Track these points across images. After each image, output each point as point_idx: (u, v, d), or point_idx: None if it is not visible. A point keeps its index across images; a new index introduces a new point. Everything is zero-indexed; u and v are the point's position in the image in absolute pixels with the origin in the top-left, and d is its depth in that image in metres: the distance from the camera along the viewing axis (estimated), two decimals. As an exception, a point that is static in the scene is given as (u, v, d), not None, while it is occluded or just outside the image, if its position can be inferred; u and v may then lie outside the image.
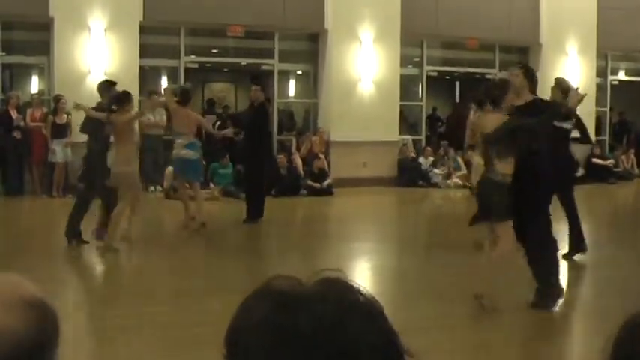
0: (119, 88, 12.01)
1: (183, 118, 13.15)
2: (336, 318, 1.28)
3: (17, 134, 17.41)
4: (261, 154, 14.37)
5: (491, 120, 8.14)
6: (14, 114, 17.55)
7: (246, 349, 1.29)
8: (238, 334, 1.31)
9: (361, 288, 1.35)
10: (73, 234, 11.58)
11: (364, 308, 1.32)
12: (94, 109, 11.99)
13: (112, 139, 11.74)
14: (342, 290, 1.33)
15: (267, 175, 14.81)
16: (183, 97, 13.55)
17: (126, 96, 11.60)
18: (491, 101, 8.23)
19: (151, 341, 7.36)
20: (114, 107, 11.49)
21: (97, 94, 12.41)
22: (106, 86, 12.34)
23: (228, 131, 15.69)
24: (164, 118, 18.88)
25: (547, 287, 8.25)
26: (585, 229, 11.33)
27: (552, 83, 11.15)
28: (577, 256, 10.88)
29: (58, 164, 17.04)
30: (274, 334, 1.27)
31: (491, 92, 8.36)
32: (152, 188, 18.44)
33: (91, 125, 11.95)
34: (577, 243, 11.01)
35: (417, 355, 1.36)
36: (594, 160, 22.37)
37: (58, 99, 16.76)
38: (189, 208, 13.36)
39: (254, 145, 14.22)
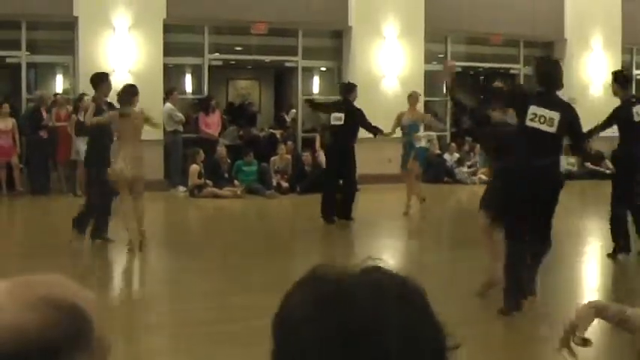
0: (143, 85, 11.99)
1: (417, 115, 16.22)
2: (381, 312, 1.26)
3: (44, 133, 17.52)
4: None
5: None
6: (45, 113, 17.70)
7: (293, 343, 1.28)
8: (284, 328, 1.31)
9: (407, 280, 1.32)
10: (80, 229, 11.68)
11: (411, 301, 1.30)
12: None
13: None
14: (388, 282, 1.30)
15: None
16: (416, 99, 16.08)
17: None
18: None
19: (174, 338, 7.39)
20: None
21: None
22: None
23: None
24: (182, 117, 18.81)
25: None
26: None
27: (576, 78, 11.03)
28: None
29: (81, 162, 16.99)
30: (320, 331, 1.25)
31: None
32: (180, 187, 18.29)
33: None
34: None
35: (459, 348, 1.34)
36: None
37: (80, 98, 16.72)
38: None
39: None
